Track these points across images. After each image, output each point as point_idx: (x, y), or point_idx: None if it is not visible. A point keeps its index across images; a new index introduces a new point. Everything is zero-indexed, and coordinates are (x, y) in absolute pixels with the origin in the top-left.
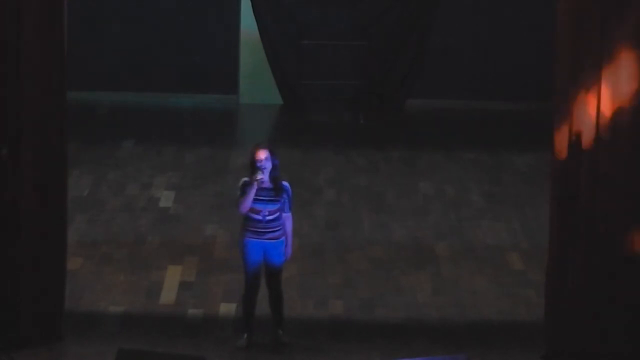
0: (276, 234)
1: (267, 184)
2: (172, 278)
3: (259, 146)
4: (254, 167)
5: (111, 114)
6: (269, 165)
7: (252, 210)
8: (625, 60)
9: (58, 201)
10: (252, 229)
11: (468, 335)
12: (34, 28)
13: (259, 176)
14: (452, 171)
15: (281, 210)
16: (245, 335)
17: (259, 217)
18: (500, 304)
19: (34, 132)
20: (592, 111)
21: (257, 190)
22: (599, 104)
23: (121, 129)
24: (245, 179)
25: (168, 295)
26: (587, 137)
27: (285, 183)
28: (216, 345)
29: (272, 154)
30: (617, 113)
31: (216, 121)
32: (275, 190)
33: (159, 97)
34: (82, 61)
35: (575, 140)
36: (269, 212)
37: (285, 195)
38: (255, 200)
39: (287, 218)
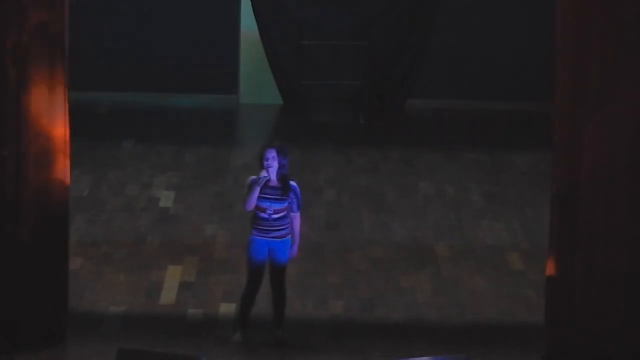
0: (282, 232)
1: (274, 182)
2: (172, 278)
3: (267, 145)
4: (261, 165)
5: (111, 114)
6: (275, 164)
7: (258, 208)
8: (626, 60)
9: (59, 201)
10: (258, 226)
11: (468, 335)
12: (34, 28)
13: (263, 174)
14: (452, 171)
15: (288, 209)
16: (240, 331)
17: (265, 215)
18: (500, 304)
19: (34, 132)
20: (592, 111)
21: (263, 188)
22: (599, 103)
23: (121, 129)
24: (253, 177)
25: (168, 295)
26: (587, 137)
27: (293, 183)
28: (216, 345)
29: (280, 153)
30: (618, 113)
31: (216, 121)
32: (282, 189)
33: (159, 97)
34: (82, 61)
35: (575, 140)
36: (274, 210)
37: (292, 195)
38: (261, 198)
39: (295, 217)
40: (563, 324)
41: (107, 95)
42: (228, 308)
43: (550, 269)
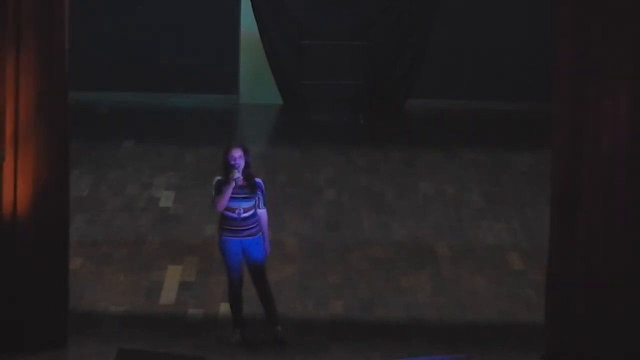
0: (253, 230)
1: (241, 181)
2: (172, 278)
3: (232, 145)
4: (227, 166)
5: (111, 114)
6: (242, 164)
7: (227, 208)
8: (625, 60)
9: (59, 201)
10: (228, 227)
11: (468, 335)
12: (34, 28)
13: (235, 175)
14: (452, 171)
15: (256, 207)
16: (239, 331)
17: (234, 215)
18: (500, 304)
19: (34, 132)
20: (592, 111)
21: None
22: (599, 103)
23: (121, 129)
24: (219, 177)
25: (168, 295)
26: (587, 137)
27: (258, 180)
28: (216, 345)
29: (245, 152)
30: (617, 113)
31: (216, 121)
32: (249, 188)
33: (159, 97)
34: (82, 61)
35: (575, 141)
36: (243, 209)
37: (259, 192)
38: (230, 198)
39: (262, 214)
40: (563, 324)
41: (107, 95)
42: (228, 308)
43: (550, 268)
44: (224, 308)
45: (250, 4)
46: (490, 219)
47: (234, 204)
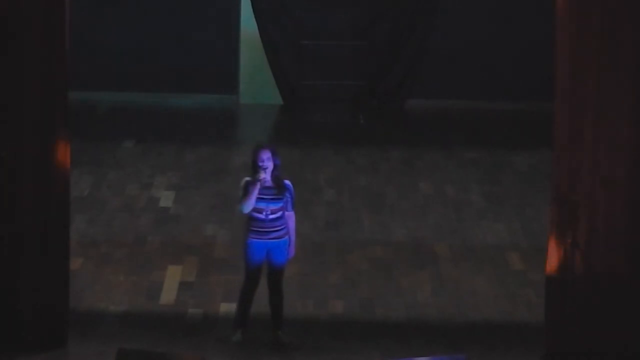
0: (280, 232)
1: (269, 183)
2: (172, 278)
3: (260, 146)
4: (255, 166)
5: (111, 114)
6: (270, 165)
7: (254, 209)
8: (625, 59)
9: (59, 201)
10: (255, 228)
11: (468, 335)
12: (35, 28)
13: (262, 176)
14: (452, 171)
15: (284, 208)
16: (240, 331)
17: (262, 217)
18: (500, 304)
19: (34, 132)
20: (592, 111)
21: (259, 189)
22: (599, 103)
23: (121, 129)
24: (247, 178)
25: (168, 295)
26: (587, 137)
27: (287, 181)
28: (216, 345)
29: (274, 153)
30: (617, 113)
31: (216, 121)
32: (277, 189)
33: (159, 97)
34: (82, 61)
35: (575, 140)
36: (271, 210)
37: (287, 194)
38: (257, 199)
39: (290, 216)
40: (563, 324)
41: (107, 95)
42: (228, 308)
43: (550, 268)
44: (224, 308)
45: (250, 4)
46: (490, 219)
47: (262, 205)
